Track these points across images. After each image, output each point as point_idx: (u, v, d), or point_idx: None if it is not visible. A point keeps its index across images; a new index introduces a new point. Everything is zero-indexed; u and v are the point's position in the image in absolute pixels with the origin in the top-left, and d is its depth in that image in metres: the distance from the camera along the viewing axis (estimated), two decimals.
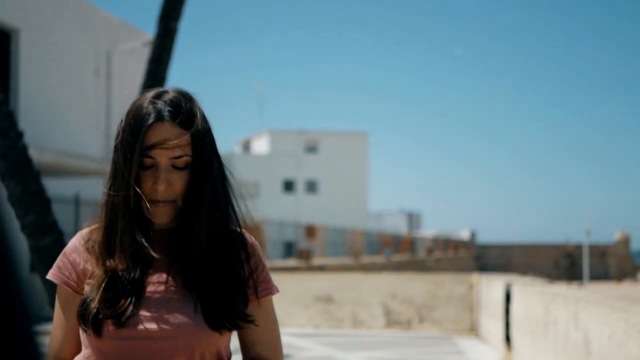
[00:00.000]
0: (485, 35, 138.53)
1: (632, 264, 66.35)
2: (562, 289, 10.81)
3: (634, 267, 66.36)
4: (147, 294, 2.05)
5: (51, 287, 4.89)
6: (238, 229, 2.16)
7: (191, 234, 2.05)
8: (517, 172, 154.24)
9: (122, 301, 2.01)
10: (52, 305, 2.99)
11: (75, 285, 2.09)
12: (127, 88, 24.11)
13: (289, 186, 64.68)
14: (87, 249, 2.11)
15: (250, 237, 2.20)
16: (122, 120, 2.09)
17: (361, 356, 12.79)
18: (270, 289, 2.19)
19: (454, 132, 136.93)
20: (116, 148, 2.07)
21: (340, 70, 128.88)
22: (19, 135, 5.54)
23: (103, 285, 2.03)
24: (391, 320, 16.70)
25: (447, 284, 16.91)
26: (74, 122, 23.52)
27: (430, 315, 16.65)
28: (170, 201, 2.04)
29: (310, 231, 40.03)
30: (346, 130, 68.48)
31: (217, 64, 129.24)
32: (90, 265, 2.09)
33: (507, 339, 12.17)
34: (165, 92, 2.10)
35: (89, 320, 2.01)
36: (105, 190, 2.10)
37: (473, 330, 16.26)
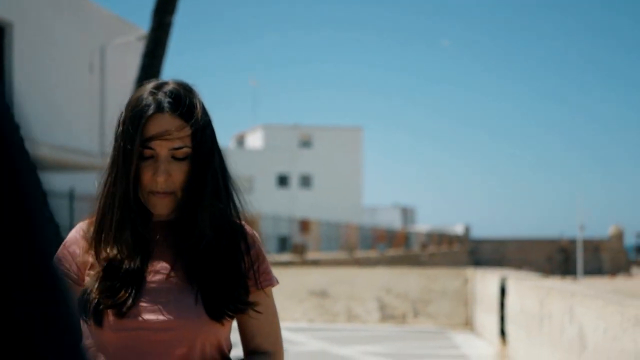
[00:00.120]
0: (478, 29, 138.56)
1: (625, 258, 66.47)
2: (557, 283, 10.82)
3: (628, 261, 66.49)
4: (148, 285, 2.05)
5: None
6: (238, 221, 2.17)
7: (195, 225, 2.06)
8: (511, 167, 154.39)
9: (122, 292, 2.01)
10: None
11: (76, 276, 2.09)
12: (122, 82, 24.07)
13: (283, 181, 64.67)
14: (87, 240, 2.11)
15: (250, 229, 2.20)
16: (121, 112, 2.09)
17: (356, 350, 12.80)
18: (271, 280, 2.19)
19: (448, 127, 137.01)
20: (116, 139, 2.08)
21: (334, 67, 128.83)
22: None
23: (101, 275, 2.03)
24: (386, 315, 16.71)
25: (442, 278, 16.93)
26: (68, 116, 23.48)
27: (425, 309, 16.66)
28: (170, 192, 2.04)
29: (304, 226, 40.06)
30: (340, 125, 68.50)
31: (211, 59, 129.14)
32: (90, 256, 2.10)
33: (502, 333, 12.19)
34: (166, 83, 2.11)
35: (90, 310, 2.01)
36: (102, 181, 2.10)
37: (468, 324, 16.29)
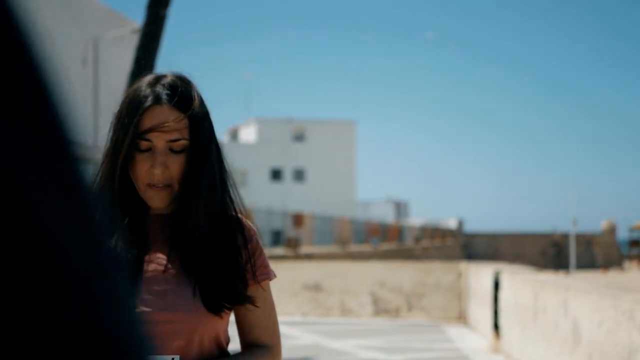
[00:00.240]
0: (471, 20, 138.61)
1: (618, 252, 66.65)
2: (552, 277, 10.84)
3: (620, 256, 66.67)
4: (145, 278, 2.04)
5: None
6: (235, 214, 2.16)
7: (189, 218, 2.05)
8: (505, 162, 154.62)
9: None
10: None
11: None
12: (115, 76, 24.02)
13: (276, 175, 64.66)
14: None
15: (247, 222, 2.19)
16: (119, 104, 2.08)
17: (350, 344, 12.81)
18: (268, 274, 2.19)
19: (442, 121, 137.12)
20: (113, 131, 2.06)
21: (327, 61, 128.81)
22: None
23: None
24: (379, 309, 16.72)
25: (436, 272, 16.94)
26: None
27: (419, 303, 16.68)
28: (167, 185, 2.03)
29: (297, 220, 40.01)
30: (334, 119, 68.50)
31: (205, 53, 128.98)
32: None
33: (496, 326, 12.21)
34: (164, 76, 2.10)
35: None
36: (95, 173, 2.09)
37: (461, 318, 16.30)
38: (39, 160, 0.47)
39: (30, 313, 0.44)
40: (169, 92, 2.05)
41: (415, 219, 74.52)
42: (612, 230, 66.89)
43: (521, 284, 10.58)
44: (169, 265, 2.06)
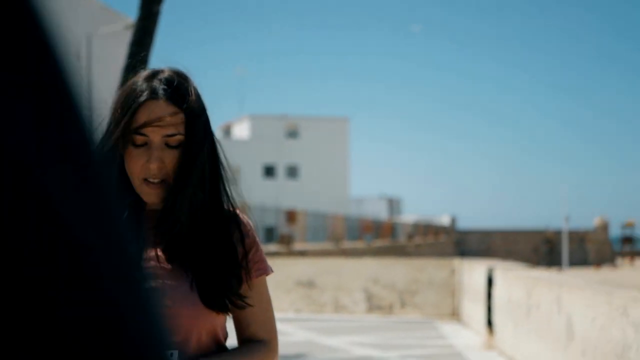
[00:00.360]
0: (464, 15, 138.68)
1: (610, 249, 66.77)
2: (545, 273, 10.86)
3: (613, 252, 66.80)
4: None
5: None
6: (232, 210, 2.15)
7: (172, 211, 2.04)
8: (497, 159, 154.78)
9: None
10: None
11: None
12: (109, 71, 23.97)
13: (269, 171, 64.63)
14: None
15: (244, 217, 2.18)
16: (115, 98, 2.07)
17: (343, 341, 12.81)
18: (265, 269, 2.18)
19: (434, 118, 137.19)
20: (108, 125, 2.05)
21: (320, 58, 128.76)
22: None
23: None
24: (373, 305, 16.73)
25: (429, 268, 16.95)
26: None
27: (412, 300, 16.69)
28: (163, 181, 2.03)
29: (291, 216, 39.96)
30: (327, 116, 68.52)
31: (198, 49, 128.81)
32: None
33: (489, 323, 12.22)
34: (161, 71, 2.10)
35: None
36: None
37: (455, 314, 16.32)
38: (63, 158, 0.47)
39: (51, 310, 0.44)
40: (165, 86, 2.04)
41: (408, 216, 74.54)
42: (604, 227, 67.00)
43: (514, 280, 10.59)
44: (165, 261, 2.05)
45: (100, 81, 24.95)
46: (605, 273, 45.18)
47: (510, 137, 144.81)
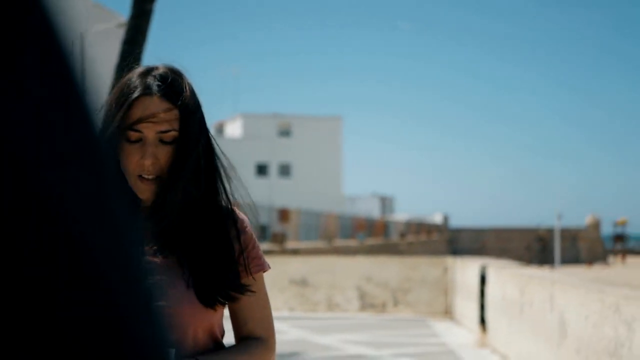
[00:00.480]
0: (463, 11, 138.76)
1: (602, 247, 66.85)
2: (538, 271, 10.88)
3: (605, 251, 66.89)
4: None
5: None
6: (229, 206, 2.15)
7: (162, 207, 2.03)
8: (490, 157, 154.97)
9: None
10: None
11: None
12: (101, 70, 23.91)
13: (262, 170, 64.58)
14: None
15: (241, 214, 2.18)
16: (109, 95, 2.07)
17: (336, 339, 12.81)
18: (262, 266, 2.18)
19: (427, 117, 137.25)
20: (103, 122, 2.05)
21: (313, 57, 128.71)
22: None
23: None
24: (366, 304, 16.74)
25: (422, 267, 16.96)
26: None
27: (405, 298, 16.70)
28: (158, 177, 2.02)
29: (283, 215, 39.93)
30: (320, 115, 68.48)
31: (191, 48, 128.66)
32: None
33: (482, 321, 12.24)
34: (155, 67, 2.10)
35: None
36: None
37: (447, 312, 16.34)
38: (63, 157, 0.46)
39: (52, 310, 0.44)
40: (159, 83, 2.04)
41: (401, 214, 74.55)
42: (596, 225, 67.08)
43: (508, 278, 10.61)
44: (161, 258, 2.05)
45: (93, 79, 24.89)
46: (597, 271, 45.23)
47: (503, 135, 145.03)
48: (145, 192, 2.03)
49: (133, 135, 2.01)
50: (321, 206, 56.47)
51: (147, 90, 2.02)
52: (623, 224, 67.23)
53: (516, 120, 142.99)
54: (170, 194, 2.02)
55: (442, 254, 46.55)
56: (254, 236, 2.19)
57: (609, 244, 70.46)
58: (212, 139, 2.15)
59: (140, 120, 2.00)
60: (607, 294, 6.41)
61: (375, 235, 49.44)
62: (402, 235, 54.06)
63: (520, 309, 9.56)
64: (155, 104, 2.02)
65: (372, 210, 72.34)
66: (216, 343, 2.10)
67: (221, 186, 2.13)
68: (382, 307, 16.70)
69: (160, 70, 2.08)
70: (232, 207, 2.16)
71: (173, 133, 2.03)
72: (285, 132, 65.91)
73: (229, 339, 2.18)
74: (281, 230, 35.34)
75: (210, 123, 2.20)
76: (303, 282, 16.90)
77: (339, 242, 36.59)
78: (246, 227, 2.17)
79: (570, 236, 64.99)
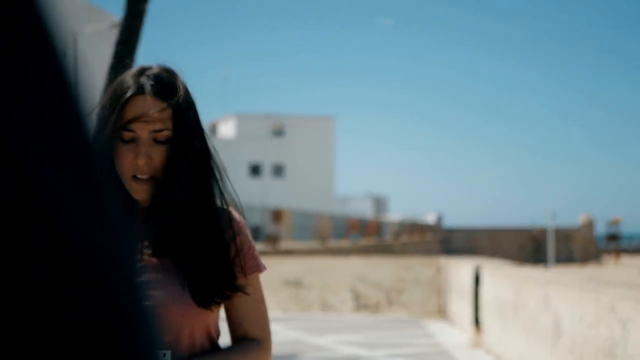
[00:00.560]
0: (456, 10, 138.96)
1: (596, 247, 67.00)
2: (532, 272, 10.88)
3: (598, 250, 67.04)
4: None
5: None
6: (225, 207, 2.14)
7: (159, 208, 2.02)
8: (483, 157, 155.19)
9: None
10: None
11: None
12: (95, 71, 23.90)
13: (255, 170, 64.58)
14: None
15: (237, 215, 2.17)
16: (103, 95, 2.07)
17: (330, 340, 12.81)
18: (258, 266, 2.17)
19: (420, 117, 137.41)
20: (97, 123, 2.04)
21: (306, 57, 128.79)
22: None
23: None
24: (360, 304, 16.73)
25: (416, 267, 16.97)
26: None
27: (399, 298, 16.70)
28: (152, 177, 2.01)
29: (277, 215, 39.95)
30: (313, 115, 68.52)
31: (184, 48, 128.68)
32: None
33: (476, 321, 12.24)
34: (149, 67, 2.10)
35: None
36: None
37: (441, 313, 16.34)
38: (63, 157, 0.46)
39: (51, 310, 0.44)
40: (152, 82, 2.04)
41: (394, 214, 74.62)
42: (590, 225, 67.21)
43: (502, 278, 10.61)
44: (156, 259, 2.04)
45: (86, 80, 24.89)
46: (591, 271, 45.34)
47: (500, 135, 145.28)
48: (139, 192, 2.02)
49: (127, 135, 2.01)
50: (315, 206, 56.51)
51: (140, 90, 2.02)
52: (616, 223, 67.39)
53: (514, 120, 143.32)
54: (167, 194, 2.00)
55: (435, 254, 46.61)
56: (250, 237, 2.18)
57: (602, 244, 70.63)
58: (207, 139, 2.14)
59: (133, 120, 2.00)
60: (602, 293, 6.41)
61: (368, 236, 49.47)
62: (396, 235, 54.12)
63: (515, 309, 9.56)
64: (148, 104, 2.01)
65: (365, 210, 72.38)
66: (212, 344, 2.09)
67: (216, 186, 2.12)
68: (376, 308, 16.70)
69: (154, 70, 2.07)
70: (228, 207, 2.14)
71: (167, 132, 2.02)
72: (278, 133, 65.91)
73: (224, 340, 2.16)
74: (274, 230, 35.35)
75: (204, 123, 2.20)
76: (297, 283, 16.89)
77: (333, 243, 36.60)
78: (242, 227, 2.16)
79: (564, 236, 65.11)
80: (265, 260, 2.23)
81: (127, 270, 0.49)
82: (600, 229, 73.50)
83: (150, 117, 2.00)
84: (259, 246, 26.85)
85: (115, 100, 2.02)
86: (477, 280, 12.28)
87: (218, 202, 2.13)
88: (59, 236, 0.44)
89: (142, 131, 2.00)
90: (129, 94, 2.01)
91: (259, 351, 2.14)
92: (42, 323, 0.43)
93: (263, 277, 2.19)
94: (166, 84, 2.05)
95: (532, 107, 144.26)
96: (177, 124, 2.03)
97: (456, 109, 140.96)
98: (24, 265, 0.43)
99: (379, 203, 78.51)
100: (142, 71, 2.07)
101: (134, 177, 2.01)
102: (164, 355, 1.94)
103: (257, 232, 39.72)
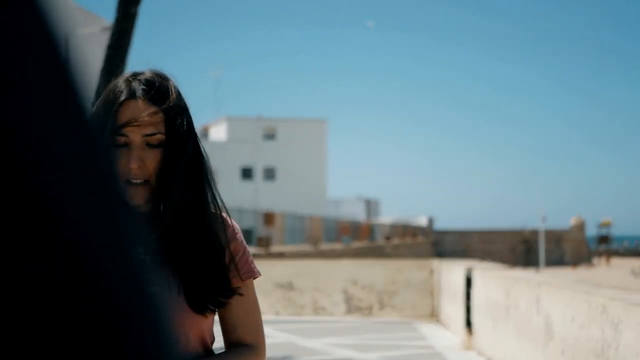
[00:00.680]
0: (453, 10, 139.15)
1: (587, 249, 67.16)
2: (524, 273, 10.90)
3: (589, 252, 67.20)
4: None
5: None
6: (218, 212, 2.14)
7: (157, 212, 2.02)
8: (474, 160, 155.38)
9: None
10: None
11: None
12: (86, 74, 23.86)
13: (247, 173, 64.54)
14: None
15: (230, 220, 2.17)
16: (95, 100, 2.06)
17: (322, 342, 12.81)
18: (252, 272, 2.17)
19: (411, 120, 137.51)
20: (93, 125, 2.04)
21: (297, 60, 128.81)
22: None
23: None
24: (352, 307, 16.73)
25: (407, 269, 16.97)
26: None
27: (391, 301, 16.70)
28: (145, 182, 2.01)
29: (268, 218, 39.93)
30: (304, 118, 68.51)
31: (175, 52, 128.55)
32: None
33: (468, 323, 12.25)
34: (141, 72, 2.10)
35: None
36: None
37: (433, 315, 16.35)
38: (64, 157, 0.46)
39: (52, 310, 0.44)
40: (144, 86, 2.04)
41: (386, 217, 74.67)
42: (581, 226, 67.37)
43: (493, 280, 10.62)
44: (153, 264, 2.04)
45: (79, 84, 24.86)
46: (582, 272, 45.43)
47: (487, 138, 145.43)
48: (134, 196, 2.02)
49: (120, 139, 2.01)
50: (306, 209, 56.50)
51: (132, 95, 2.03)
52: (607, 225, 67.54)
53: (511, 120, 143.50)
54: (164, 197, 2.01)
55: (427, 257, 46.63)
56: (244, 243, 2.18)
57: (593, 245, 70.79)
58: (200, 143, 2.15)
59: (125, 125, 2.00)
60: (594, 295, 6.42)
61: (360, 239, 49.50)
62: (388, 237, 54.14)
63: (506, 311, 9.57)
64: (140, 108, 2.02)
65: (357, 213, 72.41)
66: (206, 349, 2.09)
67: (209, 191, 2.12)
68: (368, 310, 16.70)
69: (146, 75, 2.08)
70: (222, 213, 2.15)
71: (159, 136, 2.02)
72: (270, 136, 65.90)
73: (219, 345, 2.17)
74: (266, 233, 35.33)
75: (196, 127, 2.20)
76: (289, 286, 16.89)
77: (324, 246, 36.59)
78: (237, 233, 2.16)
79: (555, 238, 65.24)
80: (257, 263, 2.24)
81: (130, 270, 0.49)
82: (592, 230, 73.66)
83: (142, 121, 2.00)
84: (250, 249, 26.74)
85: (108, 105, 2.03)
86: (468, 282, 12.29)
87: (211, 207, 2.12)
88: (59, 236, 0.45)
89: (135, 135, 2.01)
90: (121, 98, 2.02)
91: (253, 357, 2.14)
92: (42, 323, 0.43)
93: (255, 280, 2.19)
94: (158, 88, 2.05)
95: (530, 107, 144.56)
96: (170, 128, 2.03)
97: (451, 110, 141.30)
98: (24, 265, 0.43)
99: (371, 206, 78.56)
100: (134, 76, 2.07)
101: (128, 182, 2.01)
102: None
103: (248, 235, 39.68)
